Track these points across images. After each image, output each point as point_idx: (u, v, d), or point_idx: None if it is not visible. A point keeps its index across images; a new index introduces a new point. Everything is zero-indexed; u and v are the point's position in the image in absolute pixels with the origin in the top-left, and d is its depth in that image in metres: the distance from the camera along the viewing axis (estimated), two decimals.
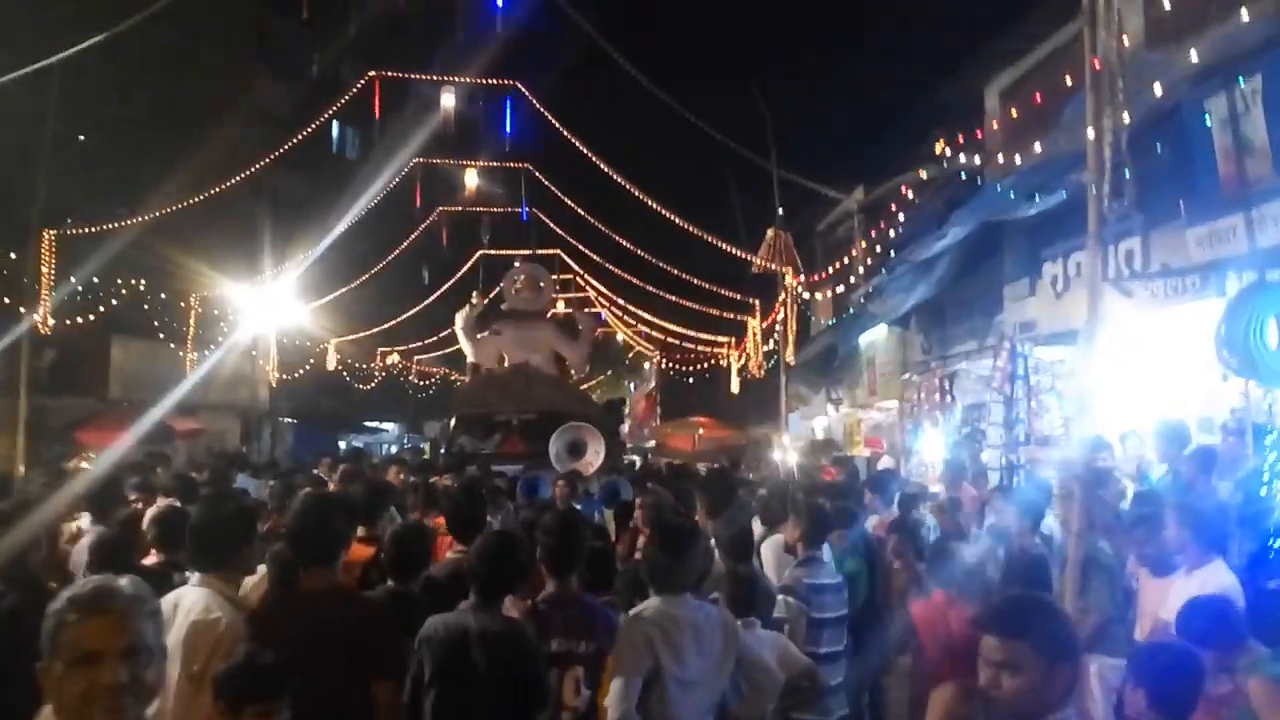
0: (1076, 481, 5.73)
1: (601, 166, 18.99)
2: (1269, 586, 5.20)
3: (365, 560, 5.38)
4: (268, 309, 22.05)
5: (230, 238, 23.89)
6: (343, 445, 30.82)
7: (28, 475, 12.66)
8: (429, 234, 27.28)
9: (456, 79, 22.31)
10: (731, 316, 23.73)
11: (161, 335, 21.75)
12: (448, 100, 22.02)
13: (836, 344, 21.16)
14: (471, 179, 27.57)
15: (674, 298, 24.36)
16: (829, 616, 5.57)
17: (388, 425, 40.27)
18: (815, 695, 5.10)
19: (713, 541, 5.47)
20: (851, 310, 19.88)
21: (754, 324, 22.19)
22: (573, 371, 19.67)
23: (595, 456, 13.28)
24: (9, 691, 2.80)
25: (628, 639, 4.03)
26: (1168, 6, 7.43)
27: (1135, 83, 5.63)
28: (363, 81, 20.55)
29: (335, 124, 32.57)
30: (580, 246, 25.41)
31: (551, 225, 26.10)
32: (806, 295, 20.59)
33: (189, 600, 3.78)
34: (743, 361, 24.06)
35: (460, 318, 19.25)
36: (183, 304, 20.98)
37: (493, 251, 29.57)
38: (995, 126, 13.10)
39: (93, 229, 16.61)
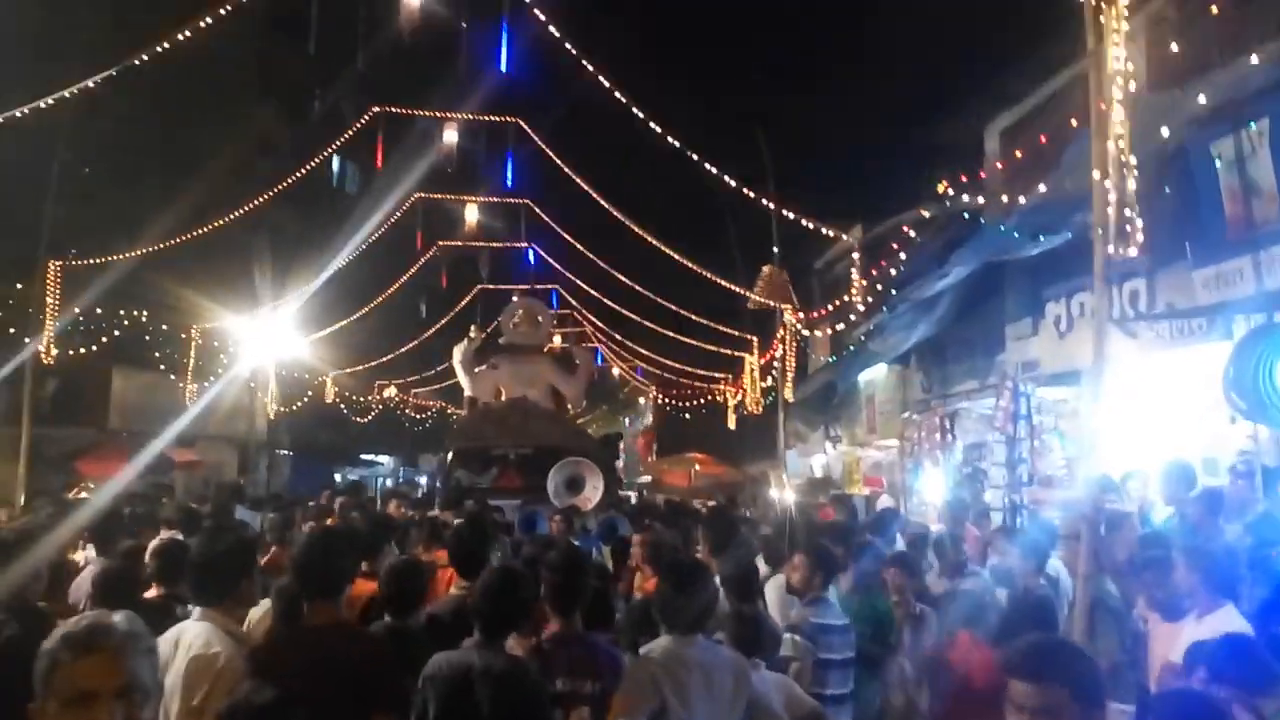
0: (1083, 523, 5.69)
1: (600, 202, 19.08)
2: None
3: (367, 595, 5.33)
4: (267, 341, 22.04)
5: (230, 270, 23.94)
6: (339, 478, 30.77)
7: (30, 505, 12.58)
8: (427, 267, 27.36)
9: (458, 115, 22.43)
10: (729, 353, 23.74)
11: (161, 367, 21.76)
12: (449, 136, 22.12)
13: (835, 381, 21.13)
14: (471, 213, 27.67)
15: (671, 333, 24.40)
16: (836, 658, 5.51)
17: (384, 458, 40.19)
18: None
19: (716, 580, 5.42)
20: (851, 348, 19.87)
21: (751, 360, 22.18)
22: (570, 406, 19.64)
23: (594, 492, 13.24)
24: None
25: (633, 679, 3.99)
26: (1174, 49, 7.48)
27: (1140, 124, 5.65)
28: (366, 117, 20.66)
29: (335, 158, 32.77)
30: (579, 281, 25.49)
31: (549, 260, 26.22)
32: (805, 332, 20.60)
33: (189, 635, 3.74)
34: (740, 398, 24.04)
35: (458, 351, 19.25)
36: (183, 336, 20.98)
37: (491, 286, 29.65)
38: (998, 166, 13.17)
39: (96, 260, 16.64)
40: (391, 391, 32.03)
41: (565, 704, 4.16)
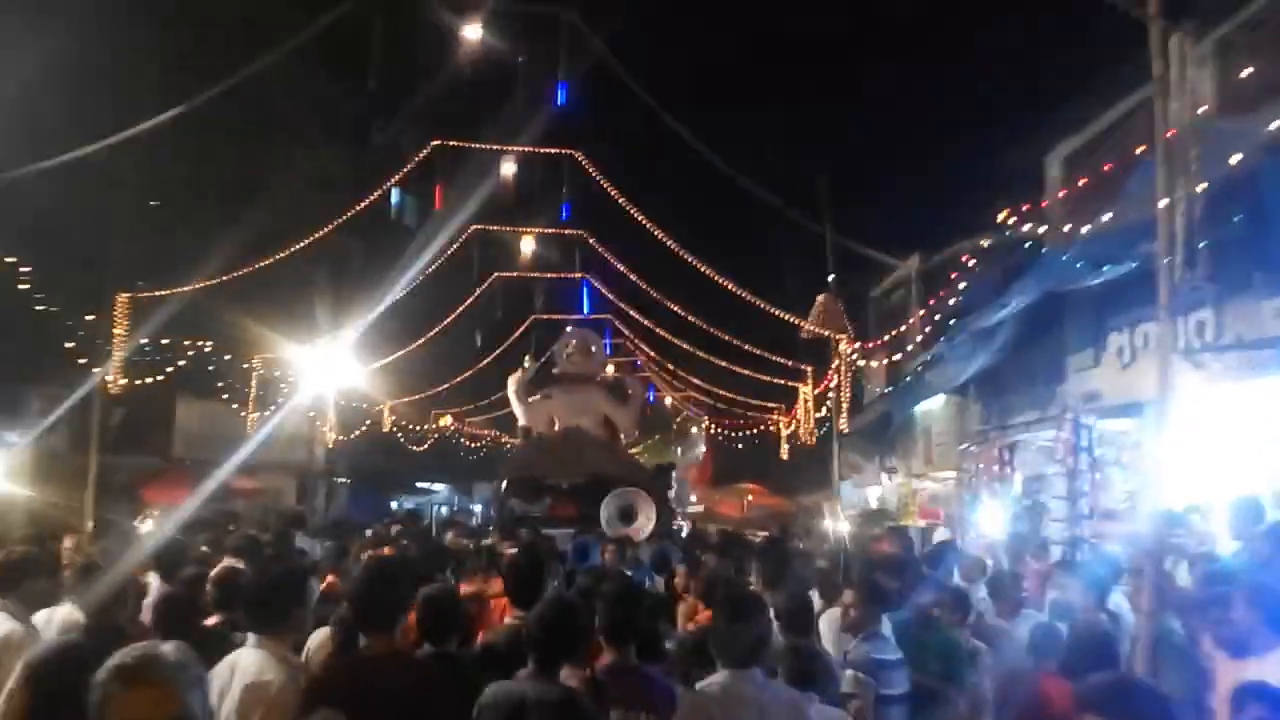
0: (1146, 558, 5.56)
1: (655, 232, 19.13)
2: None
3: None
4: (326, 371, 22.39)
5: (291, 301, 24.37)
6: (395, 505, 31.04)
7: (98, 532, 12.85)
8: (483, 298, 27.61)
9: (514, 148, 22.71)
10: (783, 383, 23.60)
11: (224, 396, 22.14)
12: (506, 168, 22.41)
13: (891, 412, 20.91)
14: (527, 245, 27.94)
15: (724, 363, 24.31)
16: (895, 693, 5.43)
17: (439, 486, 40.44)
18: None
19: (771, 613, 5.37)
20: (908, 378, 19.66)
21: (805, 390, 22.03)
22: (623, 436, 19.65)
23: (646, 522, 13.23)
24: None
25: (690, 714, 3.93)
26: (1244, 74, 7.32)
27: (1208, 150, 5.54)
28: (426, 151, 20.97)
29: (394, 191, 33.31)
30: (632, 312, 25.53)
31: (604, 291, 26.31)
32: (860, 362, 20.43)
33: (244, 663, 3.78)
34: (793, 428, 23.87)
35: (513, 381, 19.36)
36: (244, 365, 21.35)
37: (545, 316, 29.82)
38: (1060, 194, 12.99)
39: (161, 293, 17.03)
40: (447, 420, 32.28)
41: None
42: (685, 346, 24.69)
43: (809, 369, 21.84)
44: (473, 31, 15.36)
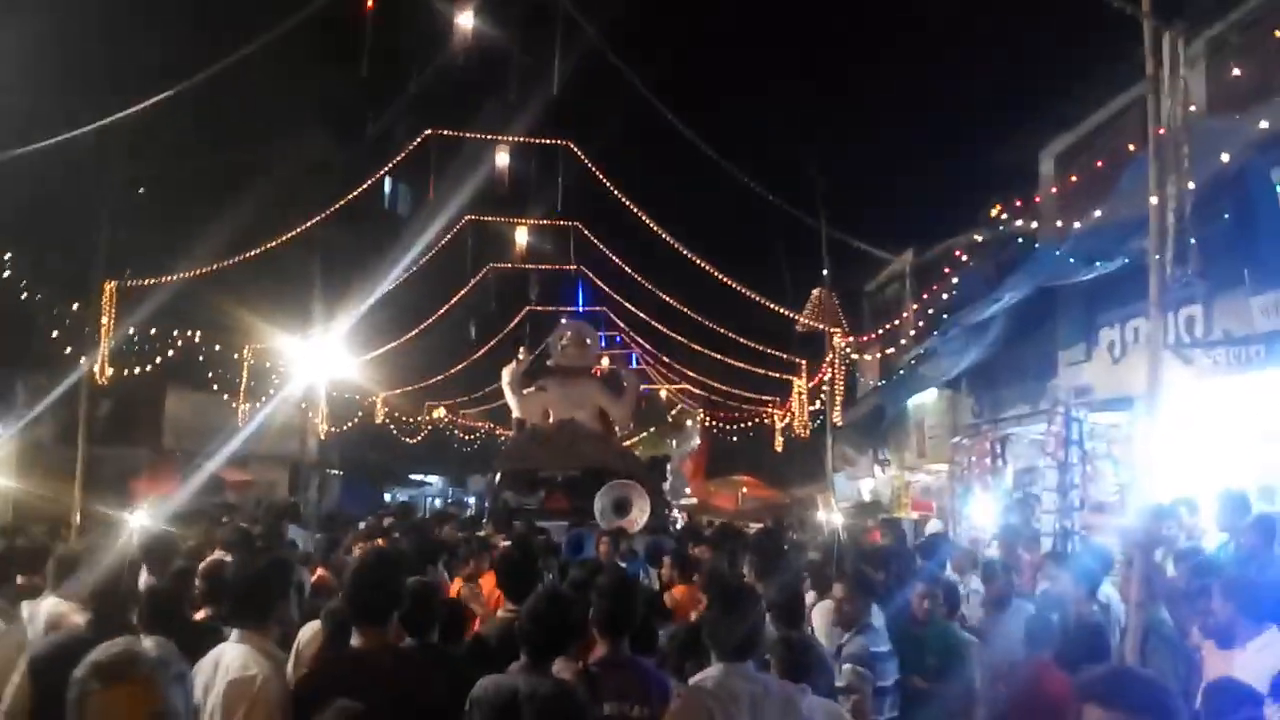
0: (1135, 549, 5.59)
1: (650, 225, 19.12)
2: None
3: None
4: (318, 362, 22.31)
5: (283, 291, 24.28)
6: (388, 497, 31.02)
7: (84, 524, 12.79)
8: (477, 289, 27.54)
9: (508, 138, 22.64)
10: (777, 376, 23.64)
11: (214, 387, 22.03)
12: (500, 158, 22.33)
13: (884, 405, 20.97)
14: (520, 236, 27.87)
15: (719, 356, 24.33)
16: (886, 685, 5.46)
17: (432, 478, 40.43)
18: None
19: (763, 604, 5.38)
20: (901, 371, 19.71)
21: (799, 384, 22.07)
22: (617, 428, 19.65)
23: (640, 514, 13.25)
24: None
25: (689, 710, 3.93)
26: (1235, 73, 7.35)
27: (1198, 149, 5.56)
28: (419, 140, 20.89)
29: (387, 180, 33.18)
30: (627, 304, 25.53)
31: (598, 283, 26.29)
32: (854, 356, 20.46)
33: (228, 657, 3.76)
34: (787, 421, 23.91)
35: (507, 373, 19.34)
36: (235, 356, 21.26)
37: (539, 308, 29.77)
38: (1053, 191, 13.03)
39: (150, 281, 16.92)
40: (441, 412, 32.24)
41: None
42: (680, 339, 24.72)
43: (803, 362, 21.87)
44: (466, 19, 15.28)
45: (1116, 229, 9.28)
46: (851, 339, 19.50)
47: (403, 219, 33.93)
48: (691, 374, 27.87)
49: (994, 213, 12.44)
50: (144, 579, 6.00)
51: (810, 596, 6.88)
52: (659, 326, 24.90)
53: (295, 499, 23.81)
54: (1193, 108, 5.09)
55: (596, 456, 16.05)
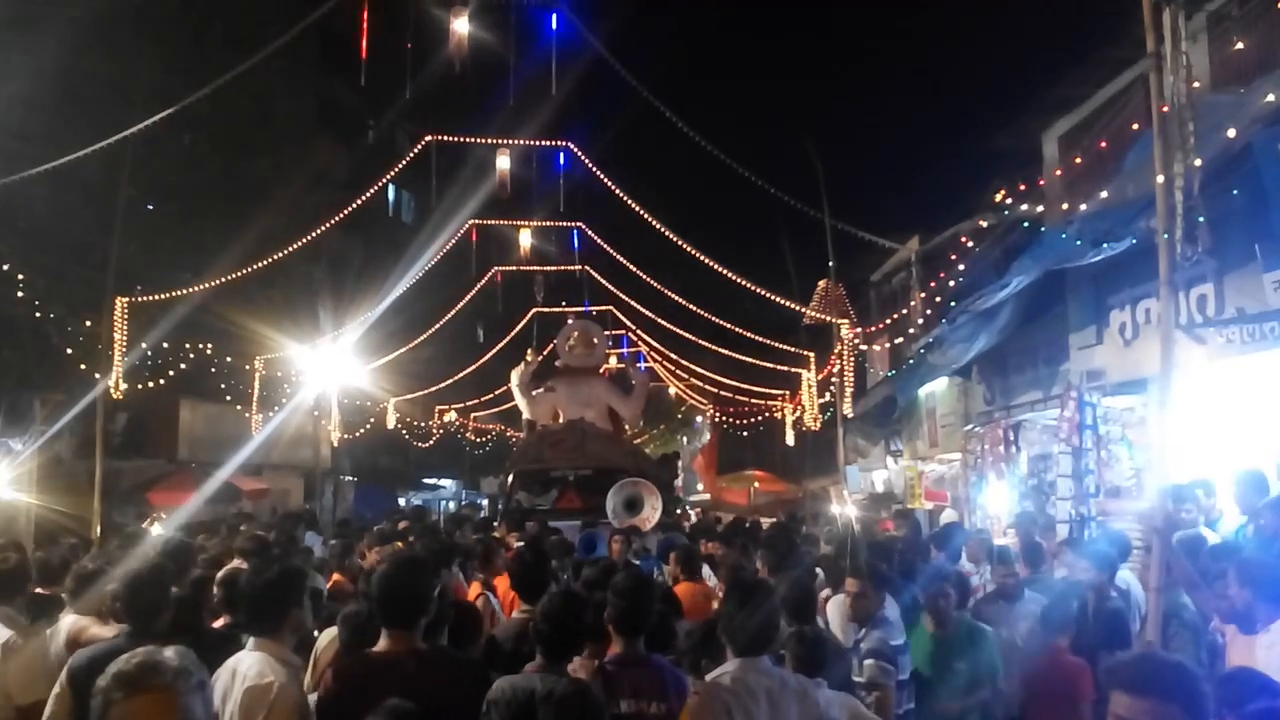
0: (1154, 534, 5.55)
1: (653, 223, 19.08)
2: None
3: None
4: (329, 370, 22.39)
5: (292, 301, 24.39)
6: (402, 502, 31.10)
7: (104, 537, 12.84)
8: (483, 292, 27.59)
9: (510, 141, 22.63)
10: (786, 369, 23.59)
11: (227, 398, 22.14)
12: (502, 162, 22.33)
13: (895, 395, 20.89)
14: (525, 237, 27.90)
15: (727, 351, 24.30)
16: (904, 678, 5.42)
17: (445, 482, 40.53)
18: None
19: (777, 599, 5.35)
20: (910, 361, 19.66)
21: (809, 376, 22.02)
22: (627, 426, 19.64)
23: (652, 512, 13.22)
24: None
25: (707, 706, 3.92)
26: (1238, 47, 7.29)
27: (1203, 125, 5.51)
28: (419, 147, 20.91)
29: (391, 187, 33.23)
30: (633, 303, 25.51)
31: (603, 282, 26.27)
32: (863, 346, 20.40)
33: (244, 665, 3.77)
34: (798, 414, 23.87)
35: (515, 375, 19.38)
36: (247, 367, 21.35)
37: (546, 309, 29.80)
38: (1057, 173, 12.95)
39: (161, 295, 17.01)
40: (452, 416, 32.32)
41: None
42: (687, 336, 24.70)
43: (811, 355, 21.82)
44: (462, 25, 15.27)
45: (1123, 209, 9.21)
46: (860, 329, 19.44)
47: (408, 226, 34.01)
48: (700, 370, 27.85)
49: (998, 197, 12.38)
50: None
51: (824, 590, 6.87)
52: (665, 324, 24.89)
53: (310, 506, 23.91)
54: (1196, 84, 5.04)
55: (607, 455, 16.05)
